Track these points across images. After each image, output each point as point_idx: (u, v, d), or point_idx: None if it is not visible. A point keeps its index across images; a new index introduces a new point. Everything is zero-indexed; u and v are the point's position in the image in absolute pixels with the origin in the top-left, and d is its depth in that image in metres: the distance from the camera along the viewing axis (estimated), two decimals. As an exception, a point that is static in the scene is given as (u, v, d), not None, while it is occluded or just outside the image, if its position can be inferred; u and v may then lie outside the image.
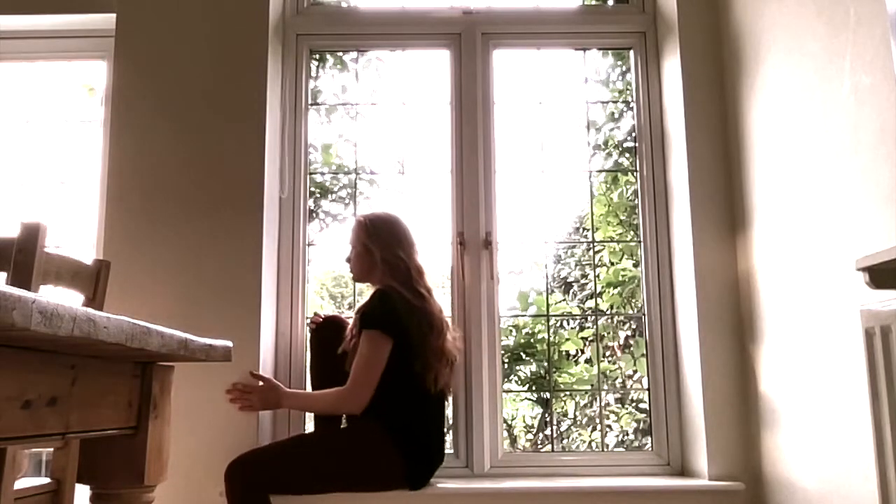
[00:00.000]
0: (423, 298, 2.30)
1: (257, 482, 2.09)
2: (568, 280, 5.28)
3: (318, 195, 3.12)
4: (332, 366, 2.34)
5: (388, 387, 2.21)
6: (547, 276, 3.46)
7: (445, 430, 2.42)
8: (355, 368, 2.21)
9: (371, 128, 2.96)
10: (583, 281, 5.08)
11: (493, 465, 2.59)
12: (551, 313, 3.92)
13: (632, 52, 2.90)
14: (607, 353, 4.14)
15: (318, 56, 3.03)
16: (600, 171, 3.19)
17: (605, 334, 4.06)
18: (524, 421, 4.41)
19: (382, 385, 2.21)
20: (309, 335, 2.51)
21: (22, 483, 1.60)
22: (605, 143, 3.25)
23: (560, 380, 3.77)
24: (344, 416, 2.36)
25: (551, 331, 3.92)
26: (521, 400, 4.31)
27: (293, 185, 2.75)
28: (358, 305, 2.42)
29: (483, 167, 2.77)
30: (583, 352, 4.26)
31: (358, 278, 2.49)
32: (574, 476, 2.53)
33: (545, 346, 3.06)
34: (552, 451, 3.11)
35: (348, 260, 2.46)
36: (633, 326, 4.09)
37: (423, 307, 2.28)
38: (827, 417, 1.98)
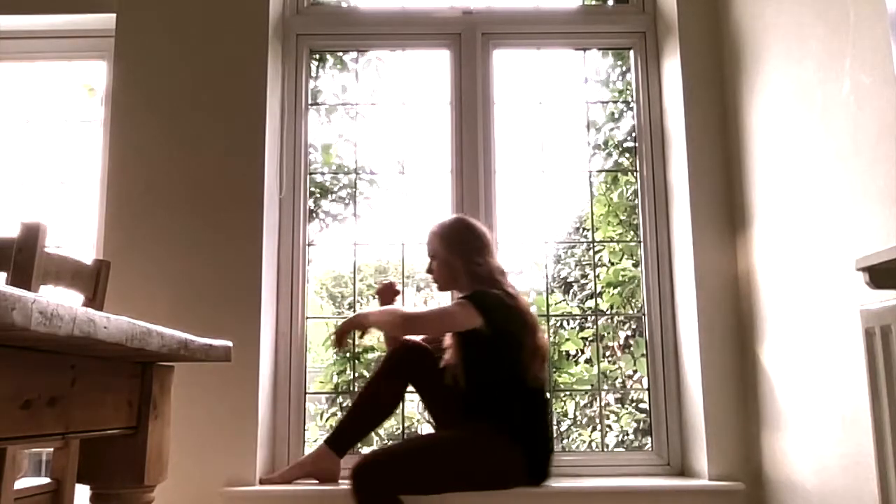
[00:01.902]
0: (515, 298, 2.31)
1: (387, 482, 2.09)
2: (568, 280, 5.28)
3: (318, 195, 3.12)
4: (439, 390, 2.35)
5: (497, 388, 2.23)
6: (547, 276, 3.46)
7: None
8: (432, 309, 2.23)
9: (371, 128, 2.96)
10: (583, 281, 5.09)
11: (493, 465, 2.58)
12: (551, 313, 3.92)
13: (632, 52, 2.90)
14: (607, 353, 4.14)
15: (318, 56, 3.03)
16: (600, 171, 3.20)
17: (605, 334, 4.06)
18: (524, 421, 4.39)
19: (492, 386, 2.24)
20: (395, 362, 2.40)
21: (22, 483, 1.60)
22: (605, 143, 3.26)
23: (560, 380, 3.77)
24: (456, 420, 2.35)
25: (551, 331, 3.92)
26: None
27: (293, 185, 2.75)
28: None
29: (483, 167, 2.77)
30: (583, 352, 4.26)
31: (443, 288, 2.48)
32: (574, 476, 2.53)
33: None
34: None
35: (430, 271, 2.46)
36: (633, 326, 4.09)
37: (517, 306, 2.29)
38: (827, 417, 1.98)
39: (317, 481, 2.37)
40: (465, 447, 2.19)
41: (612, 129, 3.19)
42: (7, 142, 2.88)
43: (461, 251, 2.36)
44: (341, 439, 2.36)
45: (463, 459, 2.17)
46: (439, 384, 2.34)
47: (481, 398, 2.26)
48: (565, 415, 4.14)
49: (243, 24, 2.66)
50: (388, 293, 2.53)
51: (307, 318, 2.72)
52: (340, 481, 2.37)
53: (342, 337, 2.37)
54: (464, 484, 2.18)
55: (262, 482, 2.41)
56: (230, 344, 1.41)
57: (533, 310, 2.44)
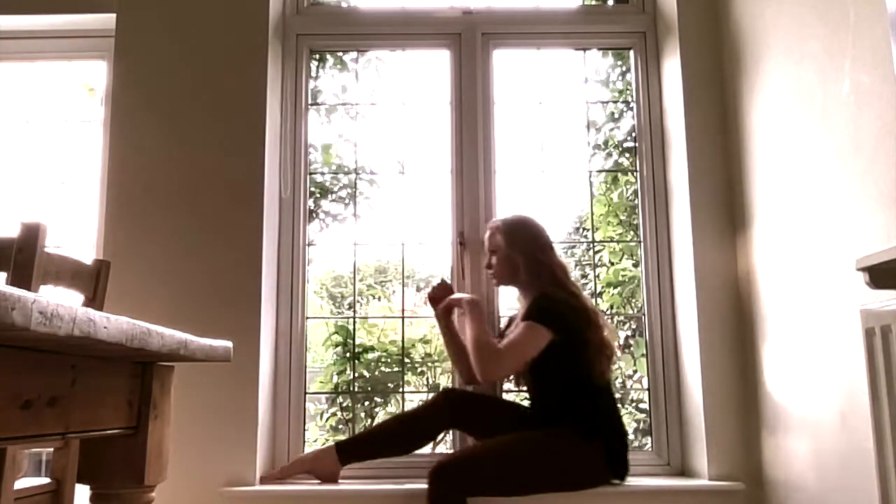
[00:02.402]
0: (577, 296, 2.31)
1: (466, 485, 2.09)
2: (568, 280, 5.26)
3: (318, 195, 3.11)
4: (495, 424, 2.33)
5: (565, 388, 2.24)
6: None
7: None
8: (506, 347, 2.21)
9: (371, 128, 2.96)
10: (583, 281, 5.07)
11: (493, 465, 2.58)
12: (551, 313, 3.91)
13: (632, 52, 2.90)
14: (607, 353, 4.12)
15: (318, 56, 3.02)
16: (600, 171, 3.20)
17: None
18: (524, 421, 4.39)
19: (560, 387, 2.24)
20: (441, 409, 2.38)
21: (22, 483, 1.60)
22: (605, 143, 3.25)
23: (560, 380, 3.76)
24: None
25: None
26: (522, 399, 4.30)
27: (293, 185, 2.75)
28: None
29: (483, 167, 2.77)
30: (583, 352, 4.24)
31: (501, 283, 2.49)
32: (574, 476, 2.52)
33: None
34: (552, 451, 3.10)
35: (488, 266, 2.46)
36: (633, 326, 4.08)
37: (581, 305, 2.29)
38: (827, 417, 1.98)
39: (316, 480, 2.38)
40: (546, 449, 2.18)
41: (612, 129, 3.18)
42: (7, 142, 2.88)
43: (523, 247, 2.37)
44: (353, 450, 2.37)
45: (544, 461, 2.17)
46: (493, 419, 2.33)
47: (551, 401, 2.27)
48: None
49: (243, 24, 2.66)
50: (443, 293, 2.50)
51: (307, 318, 2.72)
52: (341, 481, 2.38)
53: (448, 311, 2.42)
54: (545, 486, 2.17)
55: (262, 480, 2.42)
56: (230, 344, 1.41)
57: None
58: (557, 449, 2.19)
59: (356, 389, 2.90)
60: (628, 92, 3.01)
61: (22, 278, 1.48)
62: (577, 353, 2.24)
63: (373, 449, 2.39)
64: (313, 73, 2.98)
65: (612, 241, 4.07)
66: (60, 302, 0.80)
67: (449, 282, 2.58)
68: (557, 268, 2.37)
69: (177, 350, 1.15)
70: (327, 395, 2.97)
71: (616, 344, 2.52)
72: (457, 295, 2.47)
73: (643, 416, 3.77)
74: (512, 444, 2.21)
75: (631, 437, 3.95)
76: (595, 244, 3.33)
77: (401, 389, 2.84)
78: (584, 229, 3.10)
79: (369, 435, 2.44)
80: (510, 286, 2.51)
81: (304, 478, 2.42)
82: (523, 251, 2.36)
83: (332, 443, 2.42)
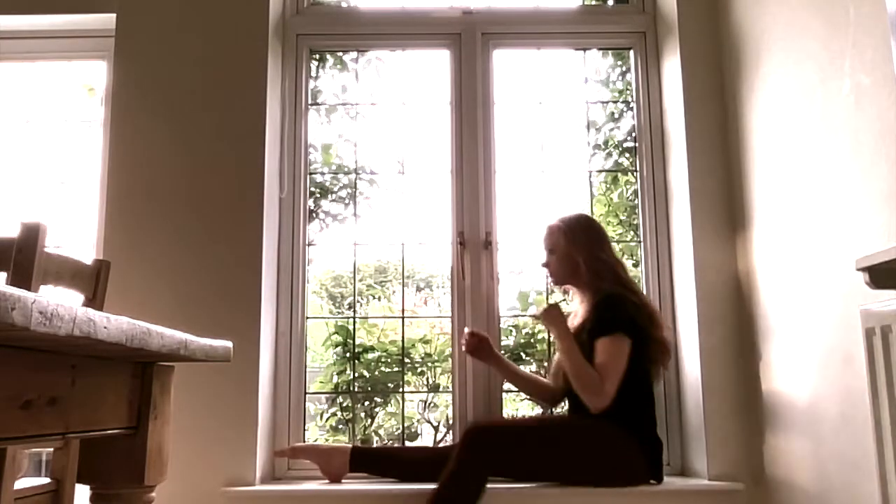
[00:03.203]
0: (638, 294, 2.32)
1: (496, 454, 2.04)
2: (568, 280, 5.25)
3: (318, 195, 3.11)
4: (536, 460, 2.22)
5: (628, 386, 2.23)
6: (547, 276, 3.46)
7: None
8: (603, 372, 2.17)
9: (371, 128, 2.96)
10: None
11: (493, 465, 2.58)
12: (551, 313, 3.91)
13: (632, 52, 2.90)
14: (607, 353, 4.12)
15: (318, 56, 3.02)
16: (600, 171, 3.20)
17: (605, 334, 4.04)
18: (524, 421, 4.39)
19: (624, 385, 2.22)
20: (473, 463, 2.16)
21: (22, 483, 1.60)
22: (605, 143, 3.25)
23: (560, 380, 3.76)
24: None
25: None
26: (521, 400, 4.30)
27: (293, 185, 2.75)
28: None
29: (483, 167, 2.77)
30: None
31: (559, 282, 2.49)
32: (574, 476, 2.52)
33: (545, 346, 3.06)
34: (552, 451, 3.10)
35: (546, 265, 2.46)
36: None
37: (642, 302, 2.30)
38: (827, 417, 1.97)
39: (320, 473, 2.39)
40: (597, 436, 2.16)
41: (612, 129, 3.18)
42: (7, 142, 2.88)
43: (584, 246, 2.37)
44: (368, 462, 2.39)
45: (591, 448, 2.15)
46: (532, 454, 2.17)
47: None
48: (565, 415, 4.12)
49: (243, 24, 2.66)
50: (476, 341, 2.46)
51: (307, 318, 2.72)
52: (345, 481, 2.39)
53: (489, 352, 2.44)
54: (584, 476, 2.15)
55: (275, 454, 2.49)
56: (230, 344, 1.41)
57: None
58: (607, 439, 2.17)
59: (356, 389, 2.90)
60: (628, 92, 3.01)
61: (22, 278, 1.48)
62: (642, 351, 2.24)
63: (389, 468, 2.39)
64: (313, 73, 2.98)
65: (612, 240, 4.07)
66: (60, 302, 0.80)
67: (469, 329, 2.52)
68: (619, 266, 2.38)
69: (177, 350, 1.15)
70: (327, 395, 2.97)
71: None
72: (540, 309, 2.40)
73: (643, 416, 3.76)
74: (561, 423, 2.17)
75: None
76: (595, 244, 3.33)
77: (401, 389, 2.84)
78: (584, 229, 3.10)
79: (391, 454, 2.45)
80: (568, 285, 2.49)
81: (306, 466, 2.47)
82: (584, 250, 2.36)
83: (350, 444, 2.47)
